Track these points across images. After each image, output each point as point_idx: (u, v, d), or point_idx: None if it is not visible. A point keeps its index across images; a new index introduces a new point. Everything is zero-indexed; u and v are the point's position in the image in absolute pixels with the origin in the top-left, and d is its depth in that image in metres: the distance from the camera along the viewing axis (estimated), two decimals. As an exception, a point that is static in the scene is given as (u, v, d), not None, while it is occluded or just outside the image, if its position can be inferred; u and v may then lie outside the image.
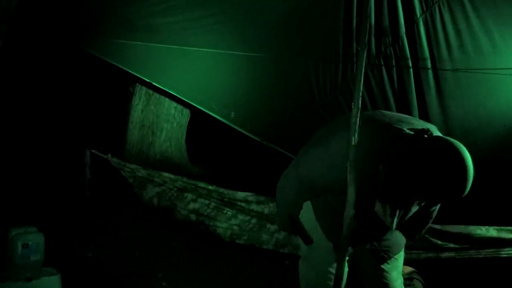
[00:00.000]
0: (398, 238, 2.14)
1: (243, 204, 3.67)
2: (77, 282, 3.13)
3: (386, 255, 2.11)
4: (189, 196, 3.81)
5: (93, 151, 3.79)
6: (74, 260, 3.53)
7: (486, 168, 3.09)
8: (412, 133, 1.72)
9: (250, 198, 3.68)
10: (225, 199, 3.70)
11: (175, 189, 3.83)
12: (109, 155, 3.86)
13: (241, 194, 3.68)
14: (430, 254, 3.25)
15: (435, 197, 1.69)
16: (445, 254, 3.24)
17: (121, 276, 3.47)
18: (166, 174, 3.90)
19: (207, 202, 3.74)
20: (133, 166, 3.97)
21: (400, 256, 2.18)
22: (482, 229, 3.15)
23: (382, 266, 2.12)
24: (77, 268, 3.39)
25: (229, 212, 3.71)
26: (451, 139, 1.67)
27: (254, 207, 3.66)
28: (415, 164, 1.63)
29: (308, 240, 2.05)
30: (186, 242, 4.14)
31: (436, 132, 1.81)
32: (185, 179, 3.89)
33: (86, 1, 3.22)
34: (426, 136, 1.69)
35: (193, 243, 4.12)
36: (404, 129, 1.76)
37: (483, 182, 3.08)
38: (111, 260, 3.70)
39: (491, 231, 3.13)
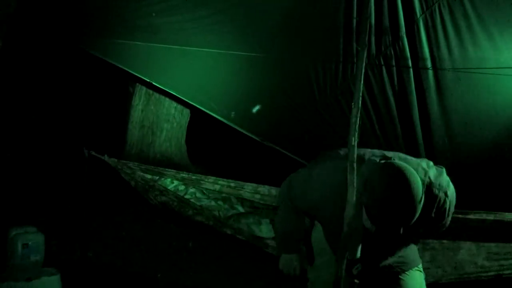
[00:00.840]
0: (412, 255, 2.16)
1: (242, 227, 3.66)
2: (77, 282, 3.13)
3: (400, 270, 2.12)
4: (191, 211, 3.78)
5: (91, 152, 3.74)
6: (74, 260, 3.52)
7: (486, 167, 3.10)
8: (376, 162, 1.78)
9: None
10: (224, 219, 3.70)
11: (176, 200, 3.80)
12: (106, 156, 3.81)
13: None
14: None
15: (382, 220, 1.67)
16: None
17: (121, 276, 3.47)
18: (163, 184, 3.86)
19: (204, 219, 3.71)
20: (131, 164, 3.92)
21: (419, 270, 2.17)
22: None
23: (400, 276, 2.12)
24: (77, 268, 3.39)
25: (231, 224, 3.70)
26: (402, 165, 1.68)
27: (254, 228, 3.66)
28: (364, 188, 1.68)
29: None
30: (186, 242, 4.14)
31: (429, 168, 1.85)
32: (186, 178, 3.85)
33: (86, 1, 3.22)
34: (380, 161, 1.75)
35: (193, 243, 4.12)
36: (374, 159, 1.82)
37: (484, 179, 3.10)
38: (111, 260, 3.70)
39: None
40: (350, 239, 1.83)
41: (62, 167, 5.28)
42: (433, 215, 1.83)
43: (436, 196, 1.80)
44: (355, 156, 1.76)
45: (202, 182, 3.83)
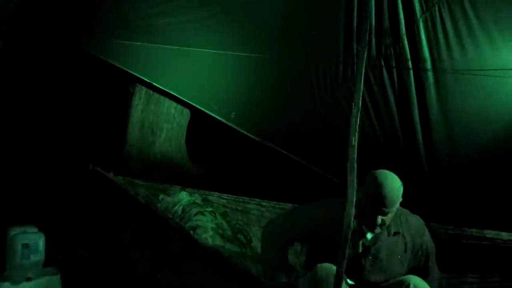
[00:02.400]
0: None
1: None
2: (77, 282, 3.13)
3: None
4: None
5: (96, 168, 3.69)
6: (74, 260, 3.52)
7: (485, 166, 3.11)
8: None
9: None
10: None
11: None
12: (112, 173, 3.79)
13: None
14: None
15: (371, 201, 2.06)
16: None
17: (120, 276, 3.46)
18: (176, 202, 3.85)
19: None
20: (137, 181, 3.88)
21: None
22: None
23: None
24: (77, 268, 3.38)
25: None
26: (381, 170, 2.12)
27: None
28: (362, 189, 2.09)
29: None
30: (186, 242, 4.14)
31: None
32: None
33: (86, 1, 3.22)
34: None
35: (193, 243, 4.11)
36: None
37: (481, 179, 3.10)
38: (111, 260, 3.70)
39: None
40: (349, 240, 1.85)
41: (63, 167, 5.27)
42: (419, 240, 2.16)
43: (417, 221, 2.19)
44: (355, 156, 1.77)
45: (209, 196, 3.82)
